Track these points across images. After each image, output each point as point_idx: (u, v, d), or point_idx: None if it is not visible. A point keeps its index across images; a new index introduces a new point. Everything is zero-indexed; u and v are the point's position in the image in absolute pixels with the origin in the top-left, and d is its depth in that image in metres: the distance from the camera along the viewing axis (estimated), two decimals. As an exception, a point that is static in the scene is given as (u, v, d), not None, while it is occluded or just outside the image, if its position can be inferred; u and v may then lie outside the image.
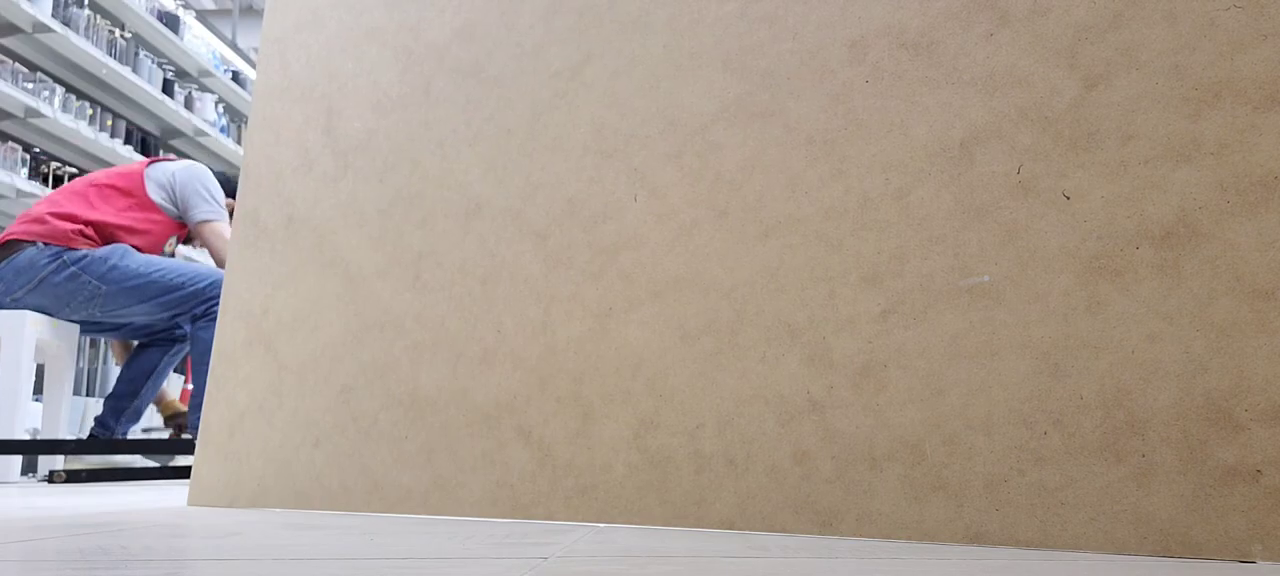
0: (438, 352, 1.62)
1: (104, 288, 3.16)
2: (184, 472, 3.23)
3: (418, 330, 1.66)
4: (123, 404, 3.44)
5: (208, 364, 3.30)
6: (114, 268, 3.17)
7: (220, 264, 3.45)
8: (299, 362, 1.77)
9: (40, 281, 3.10)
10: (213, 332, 3.31)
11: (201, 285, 3.31)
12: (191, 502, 1.79)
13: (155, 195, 3.34)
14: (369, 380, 1.68)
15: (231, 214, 3.53)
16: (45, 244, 3.11)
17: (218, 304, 3.30)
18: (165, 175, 3.39)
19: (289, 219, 1.86)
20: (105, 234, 3.22)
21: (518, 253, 1.59)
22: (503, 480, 1.50)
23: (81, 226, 3.17)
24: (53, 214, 3.17)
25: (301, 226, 1.84)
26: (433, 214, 1.70)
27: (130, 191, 3.34)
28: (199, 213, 3.39)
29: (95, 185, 3.32)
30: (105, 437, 3.38)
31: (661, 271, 1.44)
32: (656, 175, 1.48)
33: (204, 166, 3.51)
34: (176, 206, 3.36)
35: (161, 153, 5.96)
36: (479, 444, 1.54)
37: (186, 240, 3.61)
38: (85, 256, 3.15)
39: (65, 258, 3.11)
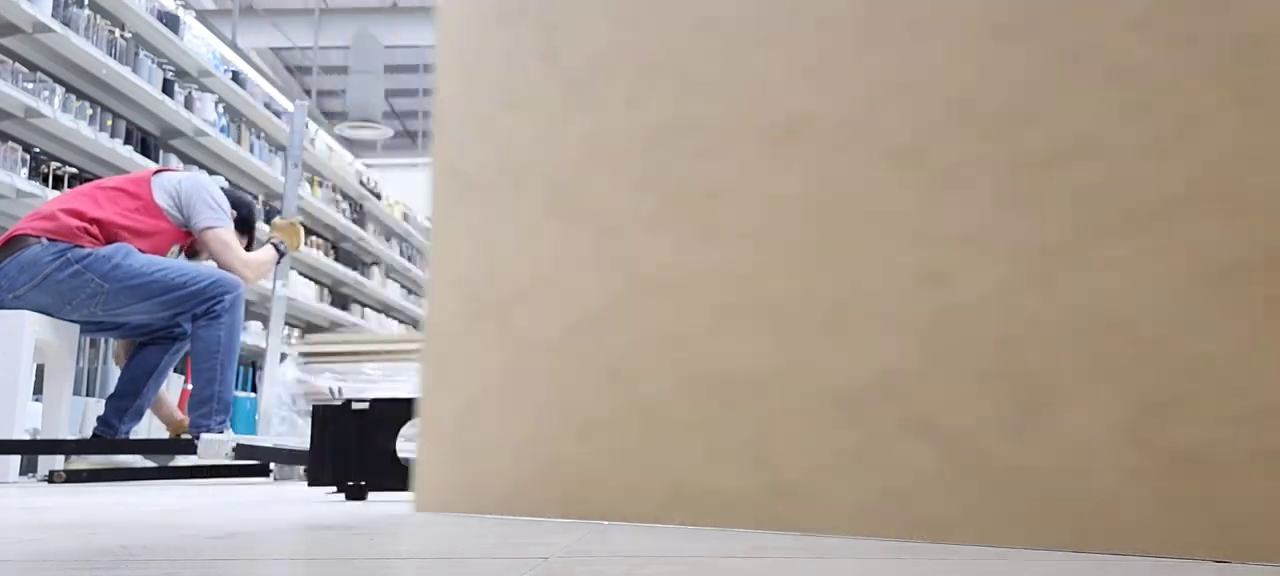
0: (755, 319, 1.30)
1: (107, 286, 3.16)
2: (184, 473, 3.23)
3: (717, 291, 1.33)
4: (125, 403, 3.45)
5: (207, 363, 3.31)
6: (117, 266, 3.17)
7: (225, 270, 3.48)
8: (546, 338, 1.48)
9: (43, 278, 3.11)
10: (213, 332, 3.32)
11: (202, 284, 3.31)
12: (419, 508, 1.56)
13: (161, 200, 3.36)
14: (650, 357, 1.37)
15: (237, 227, 3.58)
16: (50, 240, 3.11)
17: (218, 303, 3.31)
18: (171, 182, 3.42)
19: (506, 168, 1.58)
20: (109, 233, 3.23)
21: (870, 179, 1.23)
22: (890, 487, 1.16)
23: (87, 223, 3.19)
24: (62, 210, 3.20)
25: (525, 174, 1.56)
26: (722, 142, 1.35)
27: (137, 195, 3.36)
28: (203, 219, 3.41)
29: (103, 188, 3.36)
30: (109, 437, 3.39)
31: (1145, 188, 1.04)
32: (1117, 47, 1.07)
33: (209, 177, 3.54)
34: (181, 213, 3.39)
35: (161, 153, 5.95)
36: (842, 437, 1.21)
37: (191, 254, 3.63)
38: (89, 255, 3.15)
39: (69, 255, 3.12)
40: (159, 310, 3.30)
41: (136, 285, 3.21)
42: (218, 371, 3.30)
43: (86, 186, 3.45)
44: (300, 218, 4.02)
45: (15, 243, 3.15)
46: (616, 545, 1.04)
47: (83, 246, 3.17)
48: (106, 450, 3.40)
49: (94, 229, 3.20)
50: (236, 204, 3.65)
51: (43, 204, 3.59)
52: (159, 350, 3.48)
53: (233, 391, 3.42)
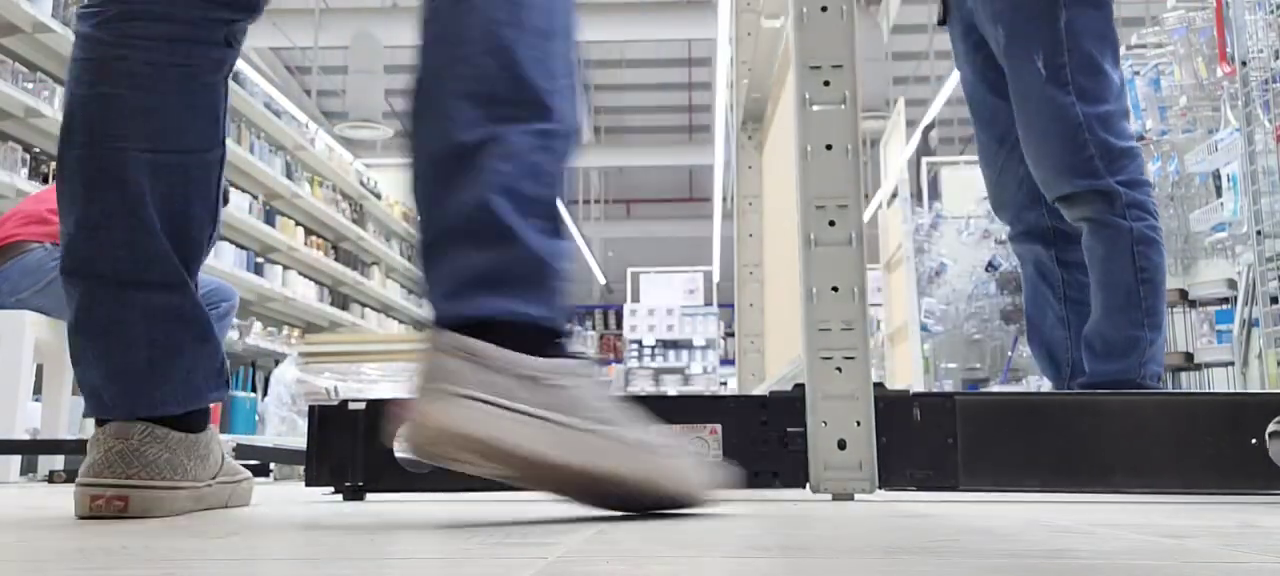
0: None
1: None
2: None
3: None
4: None
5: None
6: None
7: None
8: None
9: (49, 283, 3.11)
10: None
11: (203, 292, 3.33)
12: None
13: None
14: None
15: None
16: (53, 244, 3.11)
17: (215, 310, 3.32)
18: None
19: None
20: None
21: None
22: None
23: None
24: (51, 211, 3.17)
25: None
26: None
27: None
28: None
29: None
30: None
31: None
32: None
33: None
34: None
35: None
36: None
37: None
38: None
39: None
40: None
41: None
42: None
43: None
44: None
45: (13, 247, 3.14)
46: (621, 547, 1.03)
47: None
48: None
49: None
50: None
51: (22, 202, 3.53)
52: None
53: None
